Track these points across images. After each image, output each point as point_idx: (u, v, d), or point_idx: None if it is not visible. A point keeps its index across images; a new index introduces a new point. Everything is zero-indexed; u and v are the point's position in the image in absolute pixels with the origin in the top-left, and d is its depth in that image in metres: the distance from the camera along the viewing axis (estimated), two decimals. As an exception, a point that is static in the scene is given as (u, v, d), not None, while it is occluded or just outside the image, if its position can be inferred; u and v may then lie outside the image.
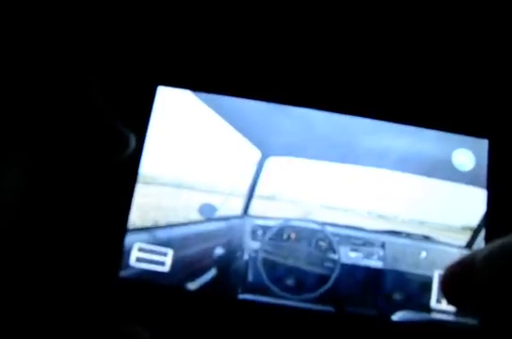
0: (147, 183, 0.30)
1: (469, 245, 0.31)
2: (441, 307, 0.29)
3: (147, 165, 0.30)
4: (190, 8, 0.33)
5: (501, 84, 0.35)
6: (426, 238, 0.31)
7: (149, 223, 0.29)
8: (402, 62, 0.36)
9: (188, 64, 0.33)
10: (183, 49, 0.33)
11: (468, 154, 0.33)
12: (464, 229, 0.32)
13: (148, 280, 0.27)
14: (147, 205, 0.29)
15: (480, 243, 0.31)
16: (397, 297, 0.29)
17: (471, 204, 0.32)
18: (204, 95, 0.31)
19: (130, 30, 0.33)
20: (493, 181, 0.32)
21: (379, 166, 0.32)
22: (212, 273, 0.28)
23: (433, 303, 0.29)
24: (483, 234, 0.31)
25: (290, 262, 0.29)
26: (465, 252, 0.31)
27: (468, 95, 0.35)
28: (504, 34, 0.34)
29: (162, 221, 0.29)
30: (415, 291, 0.29)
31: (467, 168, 0.33)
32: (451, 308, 0.29)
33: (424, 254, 0.31)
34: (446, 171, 0.32)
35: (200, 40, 0.34)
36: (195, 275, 0.28)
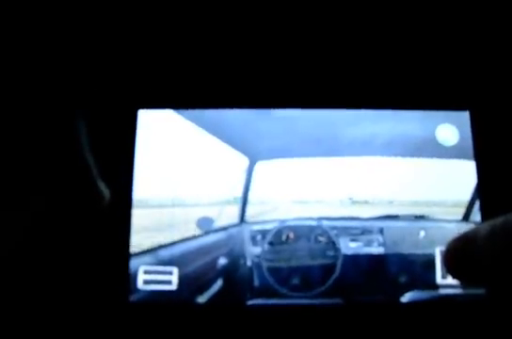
0: (142, 206, 0.30)
1: (465, 218, 0.32)
2: (448, 282, 0.30)
3: (139, 189, 0.30)
4: (157, 27, 0.33)
5: (473, 55, 0.35)
6: (422, 217, 0.31)
7: (150, 245, 0.30)
8: (371, 46, 0.35)
9: (164, 84, 0.33)
10: (156, 70, 0.33)
11: (451, 129, 0.33)
12: (458, 203, 0.32)
13: (158, 300, 0.28)
14: (145, 228, 0.30)
15: (476, 215, 0.32)
16: (403, 279, 0.30)
17: (461, 178, 0.32)
18: (185, 112, 0.32)
19: (104, 55, 0.33)
20: (480, 151, 0.32)
21: (366, 154, 0.32)
22: (218, 284, 0.29)
23: (439, 280, 0.30)
24: (477, 205, 0.32)
25: (293, 262, 0.30)
26: (462, 226, 0.32)
27: (441, 70, 0.34)
28: (475, 4, 0.34)
29: (162, 241, 0.30)
30: (420, 271, 0.30)
31: (452, 142, 0.33)
32: (457, 282, 0.30)
33: (422, 234, 0.31)
34: (432, 149, 0.32)
35: (171, 58, 0.34)
36: (202, 288, 0.29)
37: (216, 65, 0.33)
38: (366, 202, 0.31)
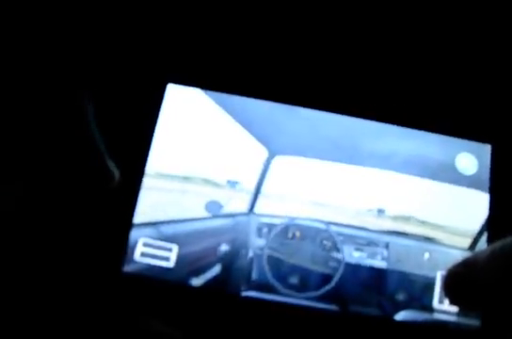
0: (154, 177, 0.30)
1: (471, 248, 0.31)
2: (444, 308, 0.29)
3: (154, 160, 0.30)
4: (203, 8, 0.34)
5: (504, 89, 0.35)
6: (430, 240, 0.31)
7: (154, 218, 0.29)
8: (408, 66, 0.36)
9: (198, 63, 0.33)
10: (193, 48, 0.34)
11: (471, 159, 0.34)
12: (467, 232, 0.32)
13: (152, 275, 0.27)
14: (153, 200, 0.29)
15: (482, 246, 0.32)
16: (400, 297, 0.29)
17: (473, 208, 0.32)
18: (213, 94, 0.32)
19: (139, 28, 0.33)
20: (496, 185, 0.32)
21: (384, 167, 0.32)
22: (216, 270, 0.28)
23: (435, 304, 0.29)
24: (485, 237, 0.32)
25: (294, 260, 0.29)
26: (468, 254, 0.31)
27: (472, 100, 0.35)
28: (507, 39, 0.35)
29: (168, 217, 0.29)
30: (418, 291, 0.29)
31: (470, 172, 0.33)
32: (453, 308, 0.30)
33: (427, 255, 0.31)
34: (450, 175, 0.33)
35: (211, 39, 0.34)
36: (199, 271, 0.28)
37: (257, 55, 0.34)
38: (379, 214, 0.31)
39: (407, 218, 0.32)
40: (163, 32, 0.33)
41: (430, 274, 0.30)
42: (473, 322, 0.29)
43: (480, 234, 0.32)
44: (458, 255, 0.31)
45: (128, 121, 0.30)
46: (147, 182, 0.29)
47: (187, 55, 0.33)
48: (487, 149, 0.33)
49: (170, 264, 0.28)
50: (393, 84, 0.35)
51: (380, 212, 0.31)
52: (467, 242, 0.32)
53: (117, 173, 0.20)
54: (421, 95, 0.35)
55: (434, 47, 0.36)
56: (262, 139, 0.32)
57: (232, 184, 0.31)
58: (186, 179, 0.31)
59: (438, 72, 0.36)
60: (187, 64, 0.33)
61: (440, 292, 0.30)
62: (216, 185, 0.31)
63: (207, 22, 0.34)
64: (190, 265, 0.28)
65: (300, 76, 0.34)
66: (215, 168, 0.31)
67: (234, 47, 0.34)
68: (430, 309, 0.29)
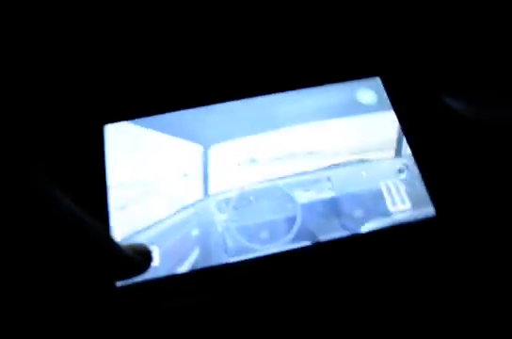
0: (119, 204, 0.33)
1: (398, 153, 0.36)
2: (398, 208, 0.33)
3: (113, 182, 0.34)
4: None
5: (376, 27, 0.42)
6: (361, 161, 0.36)
7: (128, 233, 0.32)
8: (277, 38, 0.42)
9: (121, 99, 0.38)
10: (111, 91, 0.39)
11: (368, 91, 0.40)
12: (388, 144, 0.37)
13: (144, 280, 0.30)
14: (121, 220, 0.32)
15: (406, 148, 0.36)
16: (358, 213, 0.33)
17: (385, 125, 0.37)
18: (138, 121, 0.37)
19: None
20: (395, 101, 0.38)
21: (301, 122, 0.37)
22: (196, 252, 0.31)
23: (390, 207, 0.33)
24: (404, 142, 0.36)
25: (257, 219, 0.33)
26: (397, 160, 0.36)
27: (349, 44, 0.41)
28: None
29: (138, 227, 0.33)
30: (370, 203, 0.33)
31: (372, 101, 0.39)
32: (406, 206, 0.33)
33: (364, 174, 0.35)
34: (358, 108, 0.38)
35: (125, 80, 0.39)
36: (182, 259, 0.31)
37: (159, 76, 0.39)
38: (312, 156, 0.35)
39: (336, 153, 0.36)
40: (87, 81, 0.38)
41: (374, 186, 0.34)
42: (428, 212, 0.33)
43: (399, 141, 0.37)
44: (390, 164, 0.36)
45: (80, 163, 0.34)
46: (112, 204, 0.33)
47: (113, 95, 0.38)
48: (377, 80, 0.39)
49: (156, 263, 0.31)
50: (272, 57, 0.41)
51: (312, 154, 0.36)
52: (392, 152, 0.36)
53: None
54: (304, 58, 0.41)
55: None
56: (193, 139, 0.37)
57: (184, 177, 0.35)
58: (145, 186, 0.34)
59: (306, 30, 0.42)
60: (113, 106, 0.38)
61: (389, 197, 0.34)
62: (170, 184, 0.35)
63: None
64: (172, 257, 0.31)
65: (197, 82, 0.39)
66: (165, 172, 0.35)
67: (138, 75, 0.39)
68: (388, 213, 0.33)
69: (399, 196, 0.34)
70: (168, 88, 0.39)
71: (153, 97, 0.38)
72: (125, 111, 0.37)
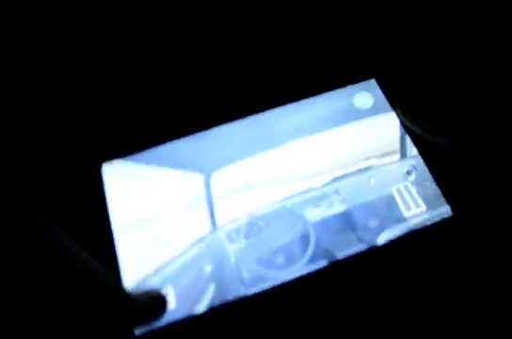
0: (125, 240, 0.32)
1: (403, 155, 0.34)
2: (413, 212, 0.31)
3: (117, 225, 0.33)
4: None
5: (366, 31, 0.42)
6: (368, 168, 0.34)
7: (141, 276, 0.31)
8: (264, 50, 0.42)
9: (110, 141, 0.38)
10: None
11: (364, 95, 0.39)
12: (392, 147, 0.35)
13: (162, 324, 0.29)
14: (130, 263, 0.31)
15: (410, 149, 0.35)
16: (373, 223, 0.31)
17: (386, 128, 0.36)
18: (132, 157, 0.36)
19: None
20: (393, 102, 0.37)
21: (301, 136, 0.36)
22: (212, 289, 0.30)
23: (405, 213, 0.31)
24: (408, 142, 0.35)
25: (270, 245, 0.31)
26: (404, 162, 0.34)
27: (339, 49, 0.41)
28: None
29: (150, 268, 0.31)
30: (384, 211, 0.32)
31: (369, 104, 0.38)
32: (421, 209, 0.32)
33: (373, 181, 0.33)
34: (355, 114, 0.37)
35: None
36: (198, 298, 0.29)
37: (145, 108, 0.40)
38: (314, 169, 0.34)
39: (341, 163, 0.35)
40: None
41: (385, 193, 0.33)
42: (444, 212, 0.31)
43: (403, 142, 0.35)
44: (398, 166, 0.34)
45: (81, 208, 0.34)
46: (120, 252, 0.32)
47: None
48: (372, 82, 0.38)
49: (172, 305, 0.29)
50: (261, 73, 0.41)
51: (316, 168, 0.35)
52: (397, 155, 0.35)
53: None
54: (294, 69, 0.41)
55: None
56: (192, 168, 0.36)
57: (189, 211, 0.34)
58: (150, 225, 0.33)
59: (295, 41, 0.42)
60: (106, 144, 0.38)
61: (403, 202, 0.32)
62: (175, 220, 0.34)
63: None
64: (188, 297, 0.30)
65: (187, 109, 0.39)
66: (169, 207, 0.34)
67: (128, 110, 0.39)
68: (403, 219, 0.31)
69: (412, 199, 0.32)
70: (158, 119, 0.38)
71: (145, 130, 0.38)
72: (119, 148, 0.37)
